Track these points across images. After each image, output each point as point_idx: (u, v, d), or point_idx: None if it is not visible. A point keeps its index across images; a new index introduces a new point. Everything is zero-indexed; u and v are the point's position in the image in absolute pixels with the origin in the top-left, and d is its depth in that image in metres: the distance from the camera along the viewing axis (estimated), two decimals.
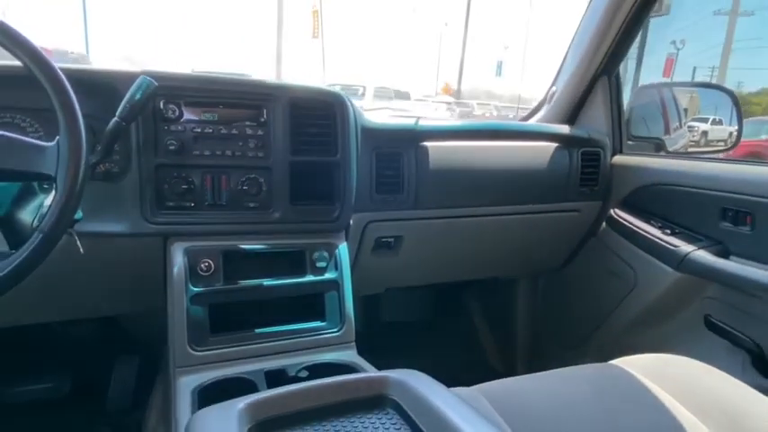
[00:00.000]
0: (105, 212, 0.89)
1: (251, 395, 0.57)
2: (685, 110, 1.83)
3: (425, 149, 1.10)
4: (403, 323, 1.70)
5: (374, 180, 1.07)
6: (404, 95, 12.22)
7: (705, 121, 2.10)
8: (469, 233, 1.24)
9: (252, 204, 0.95)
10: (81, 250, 0.80)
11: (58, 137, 0.66)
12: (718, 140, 1.77)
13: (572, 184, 1.27)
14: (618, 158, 1.33)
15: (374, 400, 0.60)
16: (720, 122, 1.74)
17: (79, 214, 0.81)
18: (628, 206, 1.29)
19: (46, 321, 1.04)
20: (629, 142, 1.37)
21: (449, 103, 12.57)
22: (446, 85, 19.44)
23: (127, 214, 0.90)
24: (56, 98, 0.63)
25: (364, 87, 11.68)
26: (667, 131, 1.56)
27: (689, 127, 1.94)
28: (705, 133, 2.19)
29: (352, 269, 1.14)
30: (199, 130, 0.91)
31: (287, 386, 0.59)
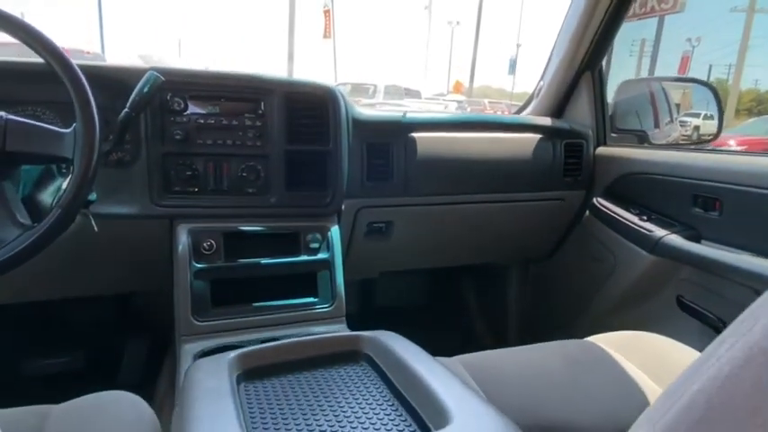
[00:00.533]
0: (117, 196, 0.98)
1: (241, 349, 0.65)
2: (677, 105, 1.88)
3: (413, 140, 1.18)
4: (397, 307, 1.77)
5: (365, 168, 1.15)
6: (414, 94, 12.27)
7: (697, 116, 2.14)
8: (458, 220, 1.32)
9: (251, 190, 1.04)
10: (95, 229, 0.89)
11: (74, 124, 0.75)
12: (710, 134, 1.82)
13: (556, 174, 1.34)
14: (601, 150, 1.39)
15: (349, 355, 0.67)
16: (712, 117, 1.79)
17: (93, 196, 0.91)
18: (609, 195, 1.35)
19: (63, 297, 1.14)
20: (613, 135, 1.44)
21: (459, 102, 12.59)
22: (457, 83, 19.44)
23: (137, 198, 0.99)
24: (73, 90, 0.72)
25: (375, 86, 11.76)
26: (657, 126, 1.61)
27: (681, 122, 1.99)
28: (697, 128, 2.24)
29: (347, 254, 1.22)
30: (202, 122, 1.00)
31: (272, 342, 0.67)
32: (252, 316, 1.00)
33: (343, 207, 1.13)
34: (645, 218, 1.22)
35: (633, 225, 1.23)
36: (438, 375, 0.58)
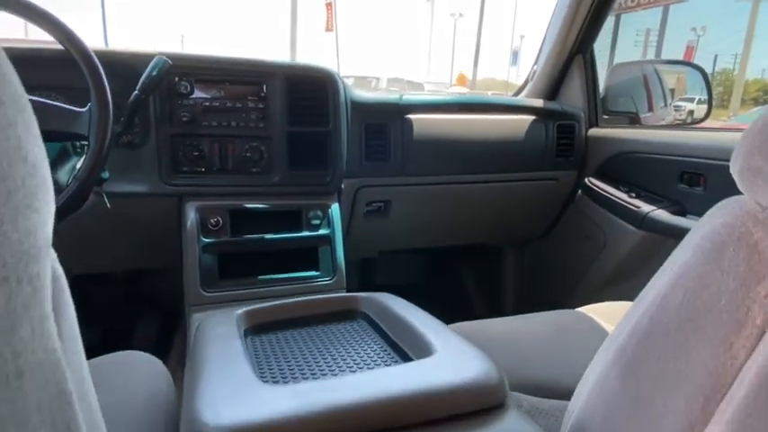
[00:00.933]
0: (129, 175, 1.03)
1: (248, 306, 0.70)
2: (672, 90, 1.91)
3: (410, 121, 1.23)
4: (396, 286, 1.83)
5: (364, 149, 1.20)
6: (417, 86, 12.29)
7: (692, 101, 2.17)
8: (454, 199, 1.37)
9: (254, 170, 1.09)
10: (108, 206, 0.95)
11: (89, 104, 0.80)
12: (703, 119, 1.86)
13: (548, 155, 1.38)
14: (593, 131, 1.43)
15: (347, 313, 0.73)
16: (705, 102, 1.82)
17: (106, 174, 0.96)
18: (601, 175, 1.40)
19: (77, 274, 1.20)
20: (605, 117, 1.48)
21: (462, 95, 12.56)
22: (461, 75, 19.40)
23: (147, 177, 1.04)
24: (87, 70, 0.78)
25: (378, 79, 11.78)
26: (651, 109, 1.65)
27: (675, 107, 2.02)
28: (691, 112, 2.27)
29: (347, 233, 1.27)
30: (207, 104, 1.05)
31: (276, 301, 0.73)
32: (257, 288, 1.05)
33: (343, 186, 1.18)
34: (634, 195, 1.27)
35: (622, 202, 1.28)
36: (428, 323, 0.62)
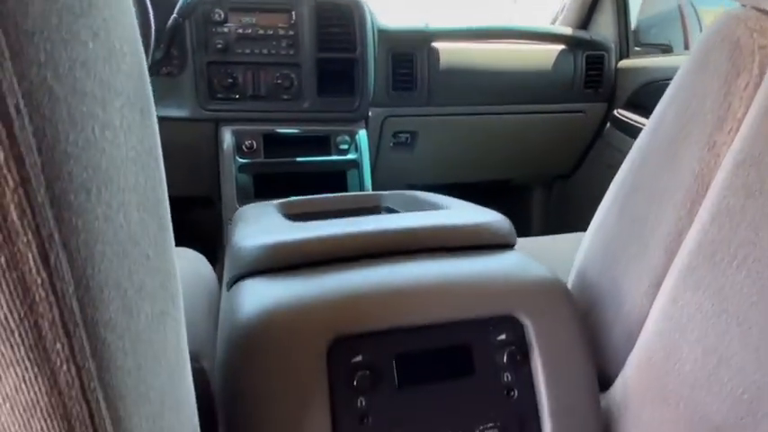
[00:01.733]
0: (169, 101, 1.10)
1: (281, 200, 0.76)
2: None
3: (436, 50, 1.25)
4: None
5: (390, 78, 1.23)
6: None
7: None
8: (479, 132, 1.38)
9: (285, 96, 1.14)
10: None
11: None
12: None
13: (577, 86, 1.38)
14: (623, 63, 1.41)
15: (373, 208, 0.78)
16: None
17: None
18: (630, 106, 1.38)
19: None
20: (637, 48, 1.45)
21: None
22: None
23: (186, 103, 1.11)
24: None
25: None
26: (686, 47, 1.61)
27: None
28: None
29: (374, 166, 1.31)
30: (240, 32, 1.10)
31: (310, 196, 0.78)
32: None
33: (370, 114, 1.22)
34: None
35: None
36: (449, 198, 0.67)
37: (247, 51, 1.11)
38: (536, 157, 1.53)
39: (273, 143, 1.14)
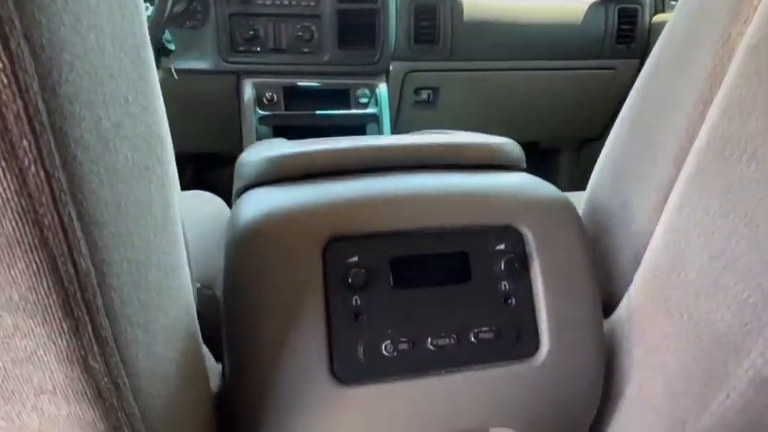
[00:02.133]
0: (192, 53, 1.12)
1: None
2: None
3: (460, 3, 1.22)
4: None
5: (412, 31, 1.21)
6: None
7: None
8: (504, 90, 1.35)
9: (306, 49, 1.14)
10: (176, 77, 1.04)
11: None
12: None
13: (608, 41, 1.32)
14: (658, 17, 1.35)
15: None
16: None
17: (172, 45, 1.04)
18: None
19: None
20: (673, 2, 1.38)
21: None
22: None
23: (208, 55, 1.12)
24: None
25: None
26: None
27: None
28: None
29: (395, 123, 1.30)
30: None
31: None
32: None
33: (391, 68, 1.21)
34: None
35: None
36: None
37: (268, 2, 1.11)
38: (564, 117, 1.48)
39: (293, 96, 1.14)
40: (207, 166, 1.56)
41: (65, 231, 0.19)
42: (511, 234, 0.40)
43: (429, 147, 0.46)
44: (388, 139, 0.48)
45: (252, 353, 0.36)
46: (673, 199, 0.38)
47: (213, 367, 0.46)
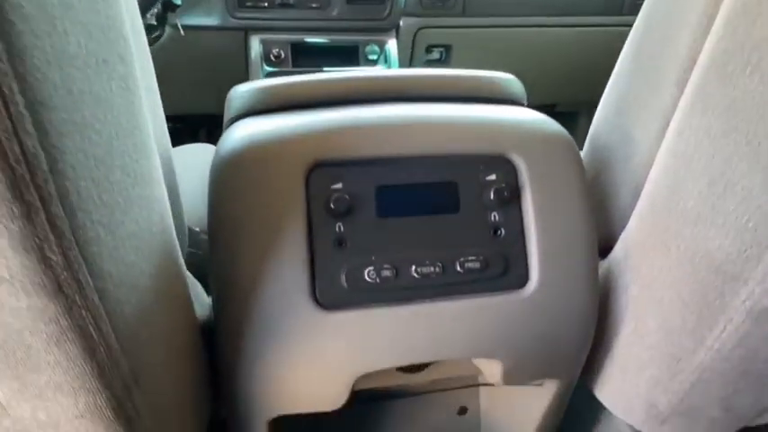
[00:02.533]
0: (198, 9, 1.10)
1: None
2: None
3: None
4: None
5: None
6: None
7: None
8: (519, 48, 1.31)
9: (314, 5, 1.12)
10: (182, 33, 1.03)
11: None
12: None
13: None
14: None
15: None
16: None
17: (179, 0, 1.03)
18: None
19: None
20: None
21: None
22: None
23: (215, 10, 1.10)
24: None
25: None
26: None
27: None
28: None
29: None
30: None
31: None
32: None
33: (401, 24, 1.18)
34: None
35: None
36: None
37: None
38: (582, 77, 1.43)
39: (301, 52, 1.12)
40: (217, 127, 1.56)
41: (5, 104, 0.18)
42: (503, 164, 0.39)
43: (423, 78, 0.45)
44: (383, 71, 0.47)
45: (234, 279, 0.36)
46: (674, 125, 0.36)
47: (205, 301, 0.46)
